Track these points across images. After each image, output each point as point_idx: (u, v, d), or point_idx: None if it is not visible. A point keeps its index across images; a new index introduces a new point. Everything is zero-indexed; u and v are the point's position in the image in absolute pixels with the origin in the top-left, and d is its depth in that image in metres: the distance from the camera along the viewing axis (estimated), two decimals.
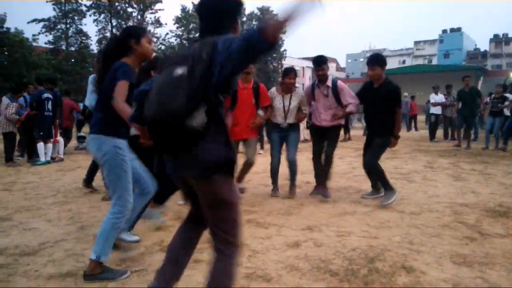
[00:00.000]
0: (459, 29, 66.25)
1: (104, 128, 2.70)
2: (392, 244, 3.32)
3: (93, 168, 5.54)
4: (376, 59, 4.76)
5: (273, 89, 5.22)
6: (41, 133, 8.27)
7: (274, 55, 48.88)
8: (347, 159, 8.59)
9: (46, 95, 8.35)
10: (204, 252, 3.13)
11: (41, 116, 8.23)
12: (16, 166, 8.13)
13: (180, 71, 1.74)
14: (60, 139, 9.43)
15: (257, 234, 3.59)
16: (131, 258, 3.01)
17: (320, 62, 4.96)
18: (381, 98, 4.63)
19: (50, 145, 8.57)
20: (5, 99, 8.43)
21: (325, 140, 5.10)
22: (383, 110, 4.65)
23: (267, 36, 1.62)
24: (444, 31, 67.43)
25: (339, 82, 5.04)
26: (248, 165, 5.05)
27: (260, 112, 5.07)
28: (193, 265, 2.88)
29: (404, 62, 64.54)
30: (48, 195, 5.42)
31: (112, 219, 2.68)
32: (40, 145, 8.32)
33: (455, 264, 2.91)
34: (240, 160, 4.90)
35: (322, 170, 5.10)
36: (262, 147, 10.03)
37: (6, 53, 31.53)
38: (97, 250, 2.63)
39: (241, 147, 5.15)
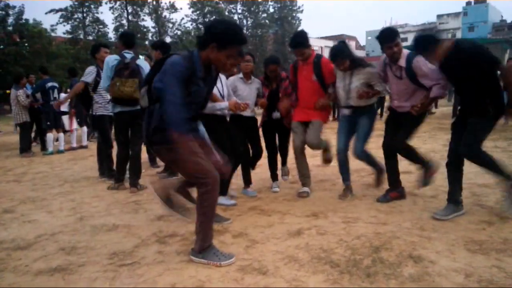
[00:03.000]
0: (484, 1, 63.39)
1: None
2: (401, 230, 3.10)
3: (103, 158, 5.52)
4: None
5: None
6: (48, 123, 8.27)
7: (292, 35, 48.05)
8: None
9: (50, 84, 8.32)
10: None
11: (47, 105, 8.22)
12: (30, 157, 8.19)
13: None
14: (84, 128, 9.45)
15: (259, 223, 3.43)
16: (123, 251, 2.89)
17: (385, 40, 3.70)
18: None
19: (61, 135, 8.59)
20: (13, 91, 8.48)
21: (399, 127, 3.98)
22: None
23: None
24: (468, 3, 64.57)
25: (416, 60, 3.65)
26: (322, 151, 4.58)
27: (330, 90, 4.38)
28: (186, 258, 2.75)
29: None
30: (55, 185, 5.39)
31: None
32: (49, 135, 8.35)
33: (469, 251, 2.68)
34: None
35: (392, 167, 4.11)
36: None
37: (26, 44, 32.05)
38: None
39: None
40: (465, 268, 2.44)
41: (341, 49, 4.07)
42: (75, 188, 5.14)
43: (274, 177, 4.79)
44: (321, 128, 4.46)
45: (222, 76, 4.12)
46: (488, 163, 3.42)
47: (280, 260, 2.64)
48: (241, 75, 4.43)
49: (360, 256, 2.64)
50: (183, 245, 2.97)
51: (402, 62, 3.72)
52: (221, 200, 3.99)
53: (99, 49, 5.43)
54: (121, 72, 4.45)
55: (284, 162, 4.93)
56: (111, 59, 4.58)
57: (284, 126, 4.66)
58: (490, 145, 6.82)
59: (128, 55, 4.62)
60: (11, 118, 12.80)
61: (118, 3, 38.57)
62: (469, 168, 5.06)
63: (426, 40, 3.44)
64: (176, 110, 2.44)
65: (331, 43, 63.11)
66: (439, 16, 66.31)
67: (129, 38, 4.91)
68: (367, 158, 4.24)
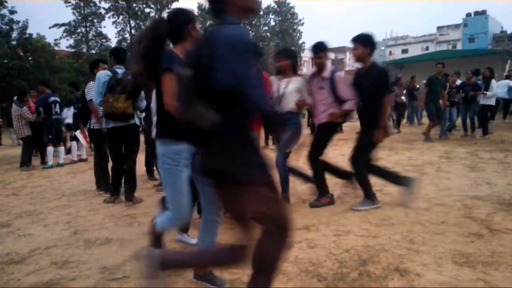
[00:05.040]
0: (483, 12, 63.65)
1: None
2: (390, 243, 3.12)
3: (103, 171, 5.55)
4: (359, 37, 4.12)
5: (272, 77, 4.59)
6: (50, 137, 8.35)
7: (293, 48, 48.45)
8: None
9: (53, 98, 8.40)
10: None
11: (49, 119, 8.31)
12: (30, 170, 8.25)
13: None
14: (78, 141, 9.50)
15: None
16: (114, 266, 2.92)
17: (317, 49, 4.31)
18: (370, 84, 4.04)
19: (61, 148, 8.66)
20: (14, 107, 8.59)
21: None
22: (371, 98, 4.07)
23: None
24: (468, 14, 64.97)
25: (338, 74, 4.30)
26: None
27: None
28: (176, 272, 2.77)
29: (427, 48, 62.50)
30: (52, 198, 5.44)
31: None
32: (49, 149, 8.42)
33: (456, 264, 2.70)
34: None
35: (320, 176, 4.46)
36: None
37: (30, 58, 32.39)
38: None
39: None
40: (450, 281, 2.46)
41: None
42: (72, 202, 5.19)
43: None
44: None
45: None
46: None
47: None
48: None
49: (347, 269, 2.66)
50: None
51: (326, 73, 4.29)
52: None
53: (97, 64, 5.51)
54: (113, 88, 4.50)
55: None
56: (102, 75, 4.65)
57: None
58: (486, 157, 6.86)
59: (120, 70, 4.67)
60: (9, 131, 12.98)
61: (121, 17, 39.07)
62: (463, 180, 5.13)
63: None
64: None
65: (332, 55, 63.45)
66: (439, 28, 66.71)
67: (120, 53, 5.00)
68: (283, 172, 4.37)
